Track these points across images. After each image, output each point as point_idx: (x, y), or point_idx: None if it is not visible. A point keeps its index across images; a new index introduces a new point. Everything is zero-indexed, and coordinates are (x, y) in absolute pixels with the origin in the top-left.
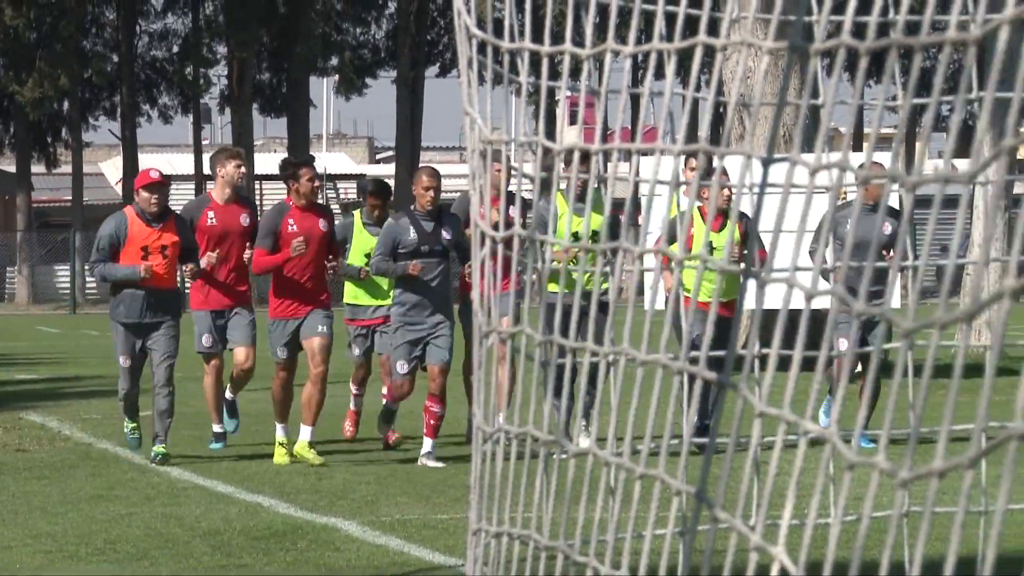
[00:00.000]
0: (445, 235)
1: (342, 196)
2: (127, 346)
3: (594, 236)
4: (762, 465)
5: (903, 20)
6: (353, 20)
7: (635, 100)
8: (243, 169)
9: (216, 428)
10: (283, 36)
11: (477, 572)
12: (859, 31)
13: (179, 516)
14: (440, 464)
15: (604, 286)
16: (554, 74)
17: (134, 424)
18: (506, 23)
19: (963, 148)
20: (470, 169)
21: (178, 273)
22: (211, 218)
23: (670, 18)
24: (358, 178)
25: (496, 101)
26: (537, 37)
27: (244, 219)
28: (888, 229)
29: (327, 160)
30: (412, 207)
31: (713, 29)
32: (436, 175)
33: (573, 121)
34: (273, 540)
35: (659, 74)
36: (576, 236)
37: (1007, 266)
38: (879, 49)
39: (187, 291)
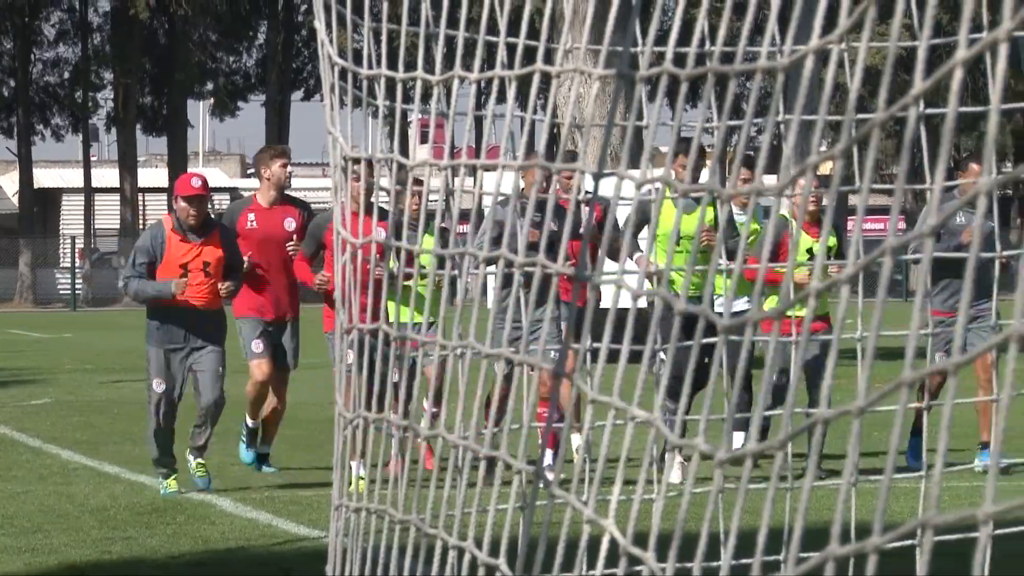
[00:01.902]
0: None
1: (216, 207)
2: (161, 368)
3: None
4: (594, 446)
5: (719, 50)
6: (226, 50)
7: (479, 121)
8: (289, 168)
9: (250, 431)
10: (163, 64)
11: (338, 543)
12: (679, 60)
13: (70, 494)
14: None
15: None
16: (407, 98)
17: (172, 478)
18: (364, 53)
19: (772, 165)
20: (332, 183)
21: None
22: (251, 221)
23: (511, 48)
24: (231, 191)
25: (356, 122)
26: (392, 65)
27: (289, 223)
28: (990, 226)
29: (203, 174)
30: None
31: (549, 58)
32: None
33: (424, 140)
34: (155, 515)
35: (501, 98)
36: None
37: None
38: (697, 76)
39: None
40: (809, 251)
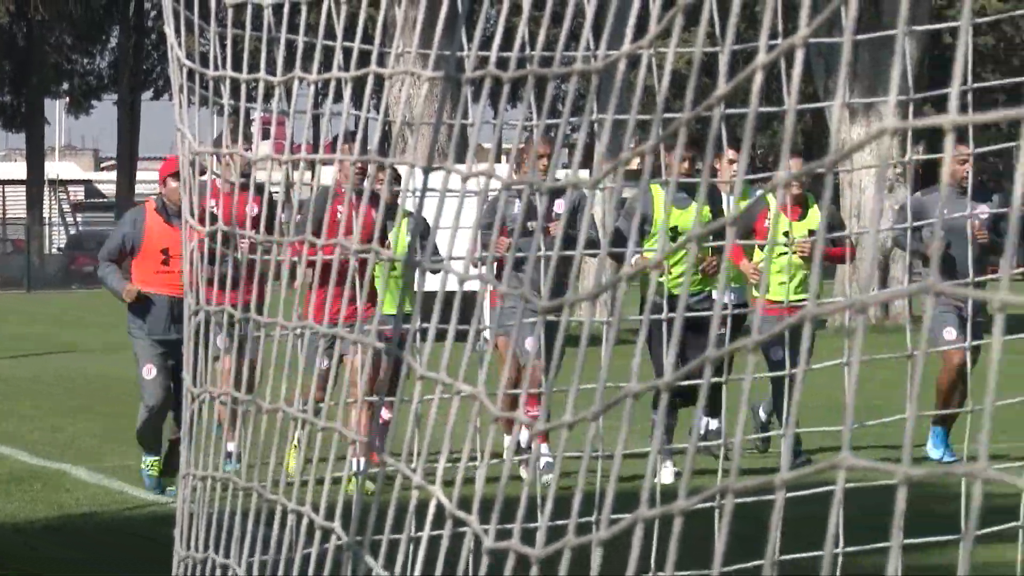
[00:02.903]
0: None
1: (72, 198)
2: (151, 353)
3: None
4: (422, 418)
5: (539, 54)
6: (81, 52)
7: (317, 119)
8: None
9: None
10: (22, 65)
11: (185, 508)
12: (502, 64)
13: None
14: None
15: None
16: (250, 97)
17: (155, 458)
18: (211, 55)
19: (586, 161)
20: (181, 176)
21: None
22: (212, 207)
23: (347, 52)
24: (86, 183)
25: (202, 119)
26: (236, 67)
27: (253, 210)
28: (985, 211)
29: (59, 168)
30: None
31: (382, 61)
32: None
33: (266, 136)
34: (13, 483)
35: (337, 98)
36: (675, 231)
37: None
38: (518, 78)
39: None
40: (786, 234)
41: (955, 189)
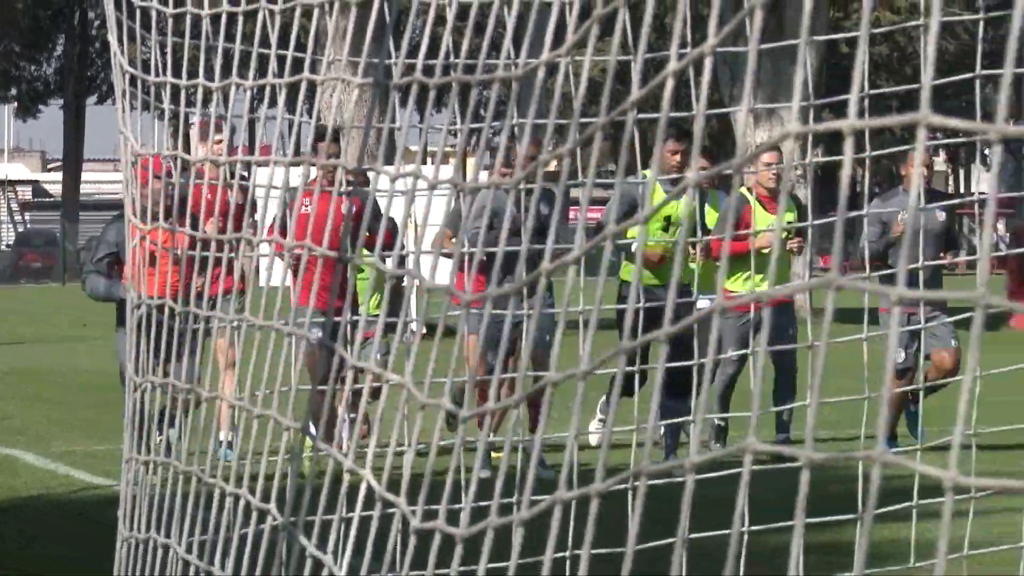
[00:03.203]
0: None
1: (20, 198)
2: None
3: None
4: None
5: (462, 62)
6: (28, 59)
7: (252, 123)
8: (222, 146)
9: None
10: None
11: (129, 492)
12: (428, 71)
13: None
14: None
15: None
16: (189, 102)
17: None
18: (152, 62)
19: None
20: (123, 176)
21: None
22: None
23: (281, 59)
24: (33, 183)
25: (144, 123)
26: (176, 73)
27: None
28: (941, 217)
29: (8, 169)
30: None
31: (314, 68)
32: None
33: (204, 139)
34: None
35: (272, 103)
36: (669, 220)
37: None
38: (443, 85)
39: None
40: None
41: (908, 192)
